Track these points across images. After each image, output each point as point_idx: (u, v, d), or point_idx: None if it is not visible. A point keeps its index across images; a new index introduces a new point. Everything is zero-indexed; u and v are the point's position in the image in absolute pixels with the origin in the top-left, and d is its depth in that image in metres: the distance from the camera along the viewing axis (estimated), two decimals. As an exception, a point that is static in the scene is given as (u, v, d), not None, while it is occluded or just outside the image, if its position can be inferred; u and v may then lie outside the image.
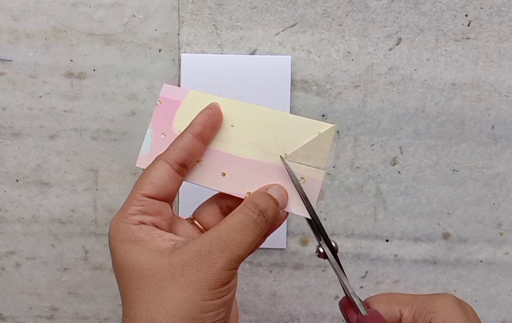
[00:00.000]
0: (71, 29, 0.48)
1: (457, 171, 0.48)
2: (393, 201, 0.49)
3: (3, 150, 0.48)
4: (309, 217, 0.34)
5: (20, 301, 0.49)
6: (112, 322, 0.49)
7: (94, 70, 0.48)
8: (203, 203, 0.36)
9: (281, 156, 0.35)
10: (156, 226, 0.32)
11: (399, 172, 0.49)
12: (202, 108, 0.35)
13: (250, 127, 0.36)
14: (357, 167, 0.48)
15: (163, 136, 0.36)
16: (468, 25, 0.48)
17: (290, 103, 0.48)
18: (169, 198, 0.33)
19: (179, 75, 0.48)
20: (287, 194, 0.34)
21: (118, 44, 0.48)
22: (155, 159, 0.33)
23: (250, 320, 0.49)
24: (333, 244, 0.34)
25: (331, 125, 0.34)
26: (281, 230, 0.48)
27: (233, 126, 0.36)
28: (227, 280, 0.30)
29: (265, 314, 0.49)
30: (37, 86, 0.48)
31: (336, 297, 0.49)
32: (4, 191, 0.49)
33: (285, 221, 0.48)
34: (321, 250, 0.34)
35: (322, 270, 0.49)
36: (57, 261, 0.49)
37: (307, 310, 0.49)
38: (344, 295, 0.34)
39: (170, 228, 0.33)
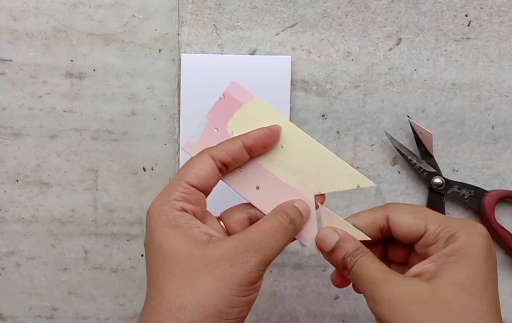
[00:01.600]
0: (71, 29, 0.48)
1: (457, 171, 0.48)
2: (393, 201, 0.49)
3: (3, 150, 0.48)
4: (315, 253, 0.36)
5: (20, 301, 0.49)
6: (112, 322, 0.49)
7: (94, 70, 0.48)
8: (232, 207, 0.37)
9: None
10: (195, 216, 0.33)
11: (399, 172, 0.49)
12: (261, 118, 0.36)
13: (297, 154, 0.36)
14: (357, 167, 0.48)
15: (215, 130, 0.37)
16: (468, 25, 0.48)
17: (290, 103, 0.48)
18: (208, 191, 0.34)
19: (179, 75, 0.48)
20: (309, 212, 0.35)
21: (118, 44, 0.48)
22: (202, 151, 0.34)
23: (250, 320, 0.49)
24: None
25: (371, 183, 0.36)
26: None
27: (282, 147, 0.36)
28: (255, 280, 0.31)
29: (265, 314, 0.49)
30: (37, 86, 0.48)
31: (336, 297, 0.49)
32: (4, 191, 0.49)
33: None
34: None
35: (322, 270, 0.49)
36: (57, 261, 0.49)
37: (307, 310, 0.49)
38: None
39: (203, 220, 0.34)
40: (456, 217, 0.34)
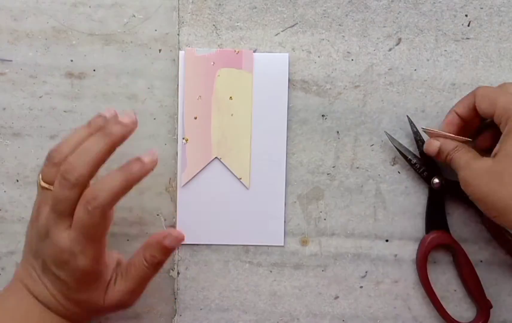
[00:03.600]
0: (71, 29, 0.48)
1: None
2: (393, 201, 0.49)
3: (3, 150, 0.49)
4: None
5: (20, 301, 0.49)
6: (112, 322, 0.49)
7: (94, 70, 0.48)
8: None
9: None
10: None
11: (399, 172, 0.49)
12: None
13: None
14: (357, 167, 0.49)
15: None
16: (468, 25, 0.48)
17: (288, 103, 0.48)
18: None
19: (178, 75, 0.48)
20: (182, 238, 0.42)
21: (118, 44, 0.48)
22: None
23: (250, 320, 0.49)
24: None
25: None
26: (278, 227, 0.48)
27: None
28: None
29: (265, 314, 0.49)
30: (37, 86, 0.48)
31: (336, 297, 0.49)
32: (4, 191, 0.49)
33: (283, 218, 0.48)
34: None
35: (322, 270, 0.49)
36: (57, 261, 0.49)
37: (307, 310, 0.49)
38: None
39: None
40: None
